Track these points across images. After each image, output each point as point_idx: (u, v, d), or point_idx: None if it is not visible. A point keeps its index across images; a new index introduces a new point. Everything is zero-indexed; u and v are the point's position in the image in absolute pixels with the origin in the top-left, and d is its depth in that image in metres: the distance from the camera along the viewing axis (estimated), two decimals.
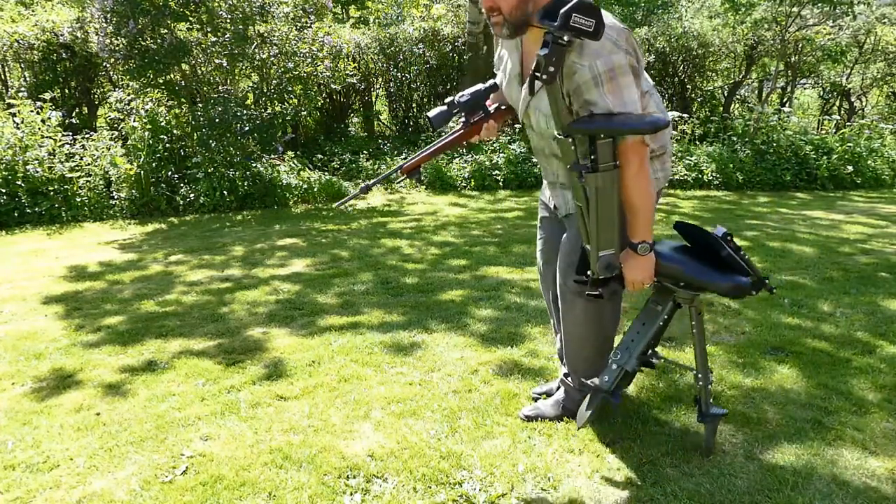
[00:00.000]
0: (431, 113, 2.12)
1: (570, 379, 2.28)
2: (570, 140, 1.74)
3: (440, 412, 2.37)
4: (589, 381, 2.09)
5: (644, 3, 12.41)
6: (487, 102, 2.18)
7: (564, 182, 2.07)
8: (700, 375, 2.07)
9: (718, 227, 1.95)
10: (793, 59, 10.79)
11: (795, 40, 10.28)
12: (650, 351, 2.10)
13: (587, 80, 1.71)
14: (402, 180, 7.92)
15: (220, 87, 7.17)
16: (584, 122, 1.73)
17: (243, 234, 5.56)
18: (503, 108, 2.19)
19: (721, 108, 10.96)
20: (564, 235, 2.16)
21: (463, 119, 2.15)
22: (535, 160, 8.18)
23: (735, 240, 1.93)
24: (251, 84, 7.91)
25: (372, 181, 2.22)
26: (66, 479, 2.01)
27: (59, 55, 8.15)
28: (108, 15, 6.38)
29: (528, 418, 2.31)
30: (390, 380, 2.65)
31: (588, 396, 2.10)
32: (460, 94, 2.15)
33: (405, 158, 8.58)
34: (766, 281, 1.93)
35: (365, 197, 7.31)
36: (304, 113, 7.61)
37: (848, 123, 10.58)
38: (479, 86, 2.16)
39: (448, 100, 2.13)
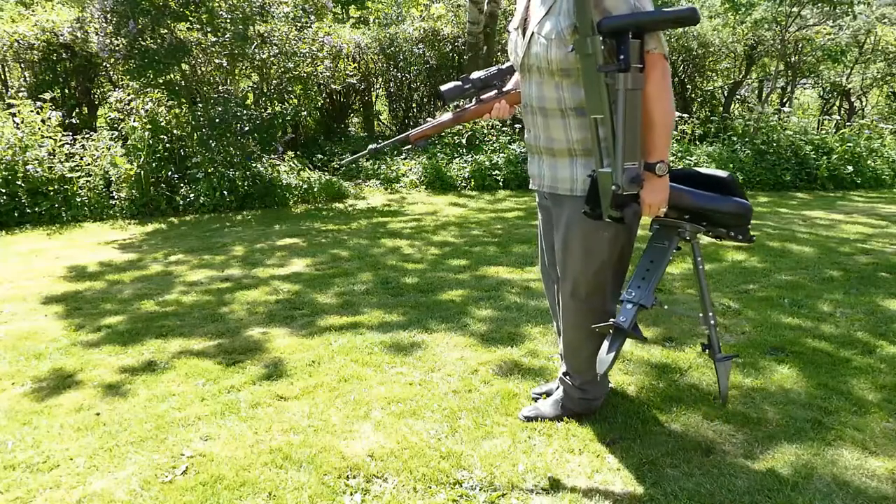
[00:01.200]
0: (444, 87, 2.14)
1: (568, 378, 2.27)
2: (601, 39, 1.72)
3: (440, 412, 2.37)
4: (608, 323, 2.03)
5: None
6: (503, 83, 2.19)
7: (546, 144, 2.03)
8: (708, 316, 2.11)
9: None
10: (793, 59, 10.79)
11: (795, 40, 10.28)
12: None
13: None
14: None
15: (220, 87, 7.17)
16: (615, 18, 1.72)
17: (243, 234, 5.56)
18: (518, 91, 2.17)
19: (721, 108, 10.96)
20: (557, 237, 2.12)
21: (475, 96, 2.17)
22: None
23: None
24: (251, 84, 7.92)
25: (381, 143, 2.25)
26: (66, 479, 2.01)
27: (59, 55, 8.15)
28: (108, 15, 6.37)
29: (528, 419, 2.31)
30: (390, 380, 2.65)
31: (608, 340, 2.03)
32: (476, 72, 2.18)
33: (405, 158, 8.62)
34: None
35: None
36: (304, 113, 7.60)
37: (848, 123, 10.58)
38: (497, 67, 2.18)
39: (463, 76, 2.16)
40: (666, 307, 2.22)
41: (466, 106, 2.19)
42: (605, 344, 2.03)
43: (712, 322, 2.10)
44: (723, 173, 2.10)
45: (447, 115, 2.21)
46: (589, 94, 1.81)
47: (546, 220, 2.28)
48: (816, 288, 3.83)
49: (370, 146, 2.22)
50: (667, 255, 2.08)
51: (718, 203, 2.03)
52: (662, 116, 1.81)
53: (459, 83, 2.14)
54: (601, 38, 1.72)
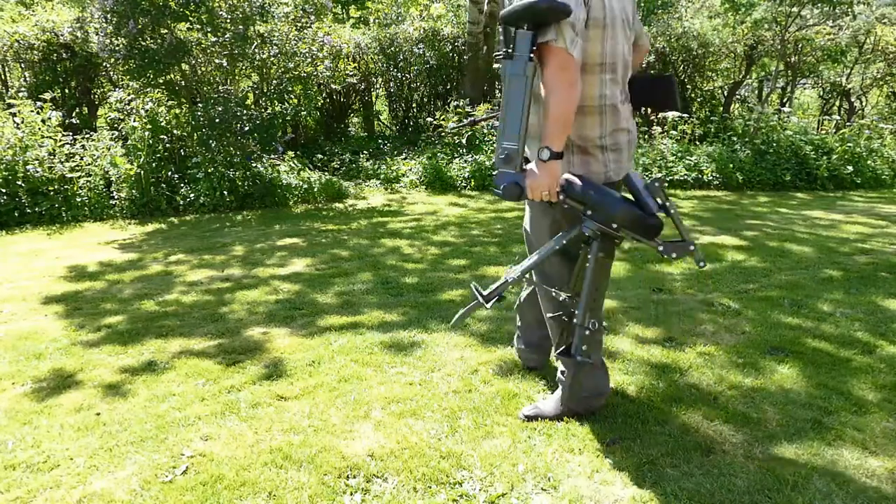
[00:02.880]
0: None
1: (566, 376, 2.24)
2: (500, 29, 1.95)
3: (440, 412, 2.37)
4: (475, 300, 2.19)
5: (644, 2, 12.40)
6: None
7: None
8: (578, 313, 2.05)
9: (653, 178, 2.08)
10: (793, 59, 10.79)
11: (795, 40, 10.28)
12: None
13: None
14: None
15: (220, 87, 7.17)
16: (505, 9, 1.92)
17: (243, 234, 5.56)
18: None
19: (721, 108, 10.96)
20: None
21: None
22: None
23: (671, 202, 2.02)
24: (251, 84, 7.92)
25: (478, 118, 2.57)
26: (66, 479, 2.01)
27: (59, 55, 8.15)
28: (108, 15, 6.38)
29: (528, 418, 2.31)
30: (390, 380, 2.65)
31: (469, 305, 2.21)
32: None
33: (405, 158, 8.62)
34: (692, 248, 1.98)
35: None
36: (304, 113, 7.60)
37: (848, 123, 10.58)
38: None
39: None
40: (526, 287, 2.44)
41: None
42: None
43: (580, 322, 2.06)
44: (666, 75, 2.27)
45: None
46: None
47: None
48: (816, 288, 3.83)
49: (467, 119, 2.44)
50: (555, 240, 2.10)
51: (615, 206, 1.96)
52: (554, 107, 1.90)
53: None
54: (500, 28, 1.93)
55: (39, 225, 6.04)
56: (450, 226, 5.76)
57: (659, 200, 2.00)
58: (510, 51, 1.89)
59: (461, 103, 8.61)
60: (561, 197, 1.99)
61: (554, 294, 2.18)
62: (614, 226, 1.98)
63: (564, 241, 2.09)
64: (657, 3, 11.91)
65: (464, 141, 8.56)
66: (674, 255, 2.01)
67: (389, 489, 1.94)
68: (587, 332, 2.06)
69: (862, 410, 2.37)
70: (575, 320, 2.08)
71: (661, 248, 2.02)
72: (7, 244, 5.32)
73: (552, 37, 1.86)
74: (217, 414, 2.39)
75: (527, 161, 2.08)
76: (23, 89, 7.68)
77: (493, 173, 2.12)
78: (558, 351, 2.22)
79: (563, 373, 2.25)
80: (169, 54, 6.42)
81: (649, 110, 8.16)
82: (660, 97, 2.33)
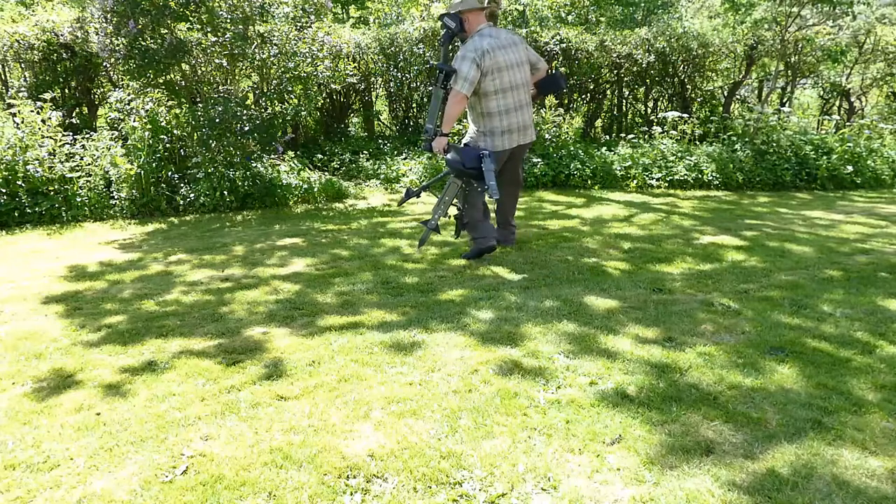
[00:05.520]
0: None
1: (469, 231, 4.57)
2: (437, 72, 4.34)
3: (440, 412, 2.37)
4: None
5: (644, 3, 12.42)
6: None
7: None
8: (435, 216, 4.52)
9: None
10: (793, 59, 10.79)
11: (795, 40, 10.28)
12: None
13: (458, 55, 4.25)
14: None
15: (220, 87, 7.17)
16: (440, 64, 4.31)
17: (243, 234, 5.56)
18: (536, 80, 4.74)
19: (721, 108, 10.96)
20: None
21: None
22: (534, 160, 8.18)
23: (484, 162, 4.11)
24: (251, 84, 7.92)
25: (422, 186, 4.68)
26: (66, 479, 2.01)
27: (59, 55, 8.15)
28: (108, 15, 6.37)
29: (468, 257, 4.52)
30: (390, 380, 2.65)
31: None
32: None
33: (405, 158, 8.62)
34: (486, 187, 4.15)
35: None
36: (304, 113, 7.60)
37: (848, 123, 10.58)
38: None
39: None
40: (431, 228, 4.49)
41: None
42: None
43: (435, 217, 4.50)
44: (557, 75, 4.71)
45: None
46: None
47: None
48: (816, 288, 3.83)
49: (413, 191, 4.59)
50: (447, 183, 4.50)
51: (455, 158, 4.25)
52: (448, 112, 4.22)
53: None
54: (437, 72, 4.32)
55: (39, 225, 6.04)
56: (450, 226, 5.76)
57: (485, 165, 4.15)
58: (436, 83, 4.32)
59: None
60: (442, 152, 4.32)
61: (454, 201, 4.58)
62: (459, 168, 4.24)
63: (452, 185, 4.44)
64: (657, 3, 11.90)
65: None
66: (490, 194, 4.08)
67: (389, 489, 1.94)
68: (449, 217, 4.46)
69: (862, 410, 2.37)
70: (433, 212, 4.57)
71: (484, 189, 4.25)
72: (7, 244, 5.33)
73: (452, 83, 4.19)
74: (217, 414, 2.39)
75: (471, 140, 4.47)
76: (23, 89, 7.67)
77: (422, 139, 4.44)
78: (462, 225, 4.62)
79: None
80: (169, 54, 6.42)
81: (648, 111, 8.16)
82: (551, 85, 4.65)
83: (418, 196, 4.55)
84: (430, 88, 4.30)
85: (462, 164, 4.16)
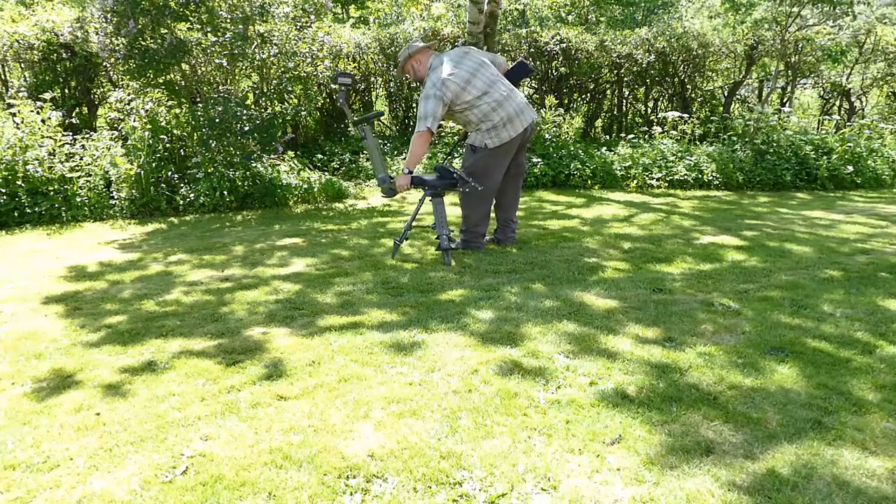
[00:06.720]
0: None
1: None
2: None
3: (440, 412, 2.37)
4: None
5: (644, 3, 12.41)
6: None
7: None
8: (439, 229, 4.46)
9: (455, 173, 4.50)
10: (793, 59, 10.79)
11: (795, 40, 10.28)
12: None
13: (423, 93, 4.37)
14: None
15: (220, 87, 7.17)
16: (359, 119, 4.54)
17: (243, 234, 5.56)
18: None
19: (721, 108, 10.96)
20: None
21: None
22: (534, 160, 8.18)
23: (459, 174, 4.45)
24: (251, 84, 7.92)
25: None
26: (66, 479, 2.01)
27: (59, 55, 8.15)
28: (108, 15, 6.37)
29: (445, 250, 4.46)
30: (390, 380, 2.65)
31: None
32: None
33: (405, 158, 8.60)
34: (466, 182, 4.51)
35: None
36: (304, 113, 7.60)
37: (848, 123, 10.58)
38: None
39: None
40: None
41: None
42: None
43: (440, 232, 4.44)
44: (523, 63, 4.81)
45: None
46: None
47: None
48: (816, 288, 3.83)
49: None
50: (433, 206, 4.57)
51: (429, 181, 4.47)
52: (413, 151, 4.28)
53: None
54: (360, 126, 4.57)
55: (39, 225, 6.04)
56: (449, 225, 5.75)
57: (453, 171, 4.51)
58: (364, 138, 4.57)
59: None
60: (412, 189, 4.52)
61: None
62: (436, 185, 4.47)
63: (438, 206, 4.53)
64: (657, 3, 11.90)
65: (464, 141, 8.55)
66: (463, 188, 4.50)
67: (389, 489, 1.94)
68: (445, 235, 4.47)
69: (862, 410, 2.37)
70: (439, 233, 4.52)
71: (464, 183, 4.52)
72: (7, 244, 5.33)
73: (418, 126, 4.28)
74: (217, 414, 2.39)
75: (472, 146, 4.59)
76: (23, 89, 7.67)
77: (380, 189, 4.52)
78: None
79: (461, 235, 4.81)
80: (169, 54, 6.42)
81: (648, 111, 8.14)
82: (519, 73, 4.73)
83: (401, 242, 4.58)
84: (364, 141, 4.62)
85: (436, 184, 4.45)
